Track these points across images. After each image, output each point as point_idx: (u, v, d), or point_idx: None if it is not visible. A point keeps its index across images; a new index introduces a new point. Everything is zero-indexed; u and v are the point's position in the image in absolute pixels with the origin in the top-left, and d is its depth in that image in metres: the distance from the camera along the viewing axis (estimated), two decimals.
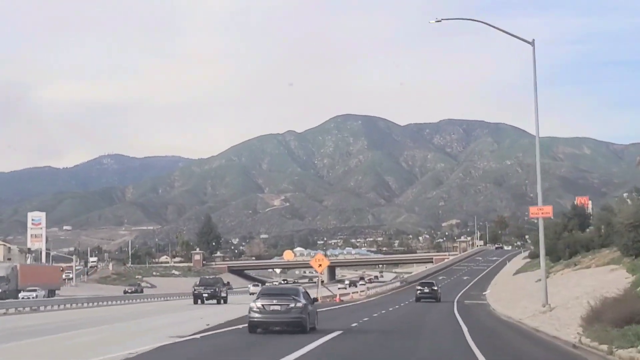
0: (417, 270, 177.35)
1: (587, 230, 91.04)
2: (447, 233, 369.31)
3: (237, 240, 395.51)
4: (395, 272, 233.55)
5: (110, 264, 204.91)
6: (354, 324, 34.92)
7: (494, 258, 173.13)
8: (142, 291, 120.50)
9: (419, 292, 72.72)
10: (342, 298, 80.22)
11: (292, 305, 29.71)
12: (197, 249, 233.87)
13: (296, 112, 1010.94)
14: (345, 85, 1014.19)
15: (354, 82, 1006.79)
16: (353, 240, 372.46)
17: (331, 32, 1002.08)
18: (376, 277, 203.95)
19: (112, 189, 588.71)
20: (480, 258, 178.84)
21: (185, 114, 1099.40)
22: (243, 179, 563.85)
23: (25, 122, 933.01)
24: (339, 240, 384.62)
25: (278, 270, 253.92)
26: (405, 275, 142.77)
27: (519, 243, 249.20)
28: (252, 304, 30.14)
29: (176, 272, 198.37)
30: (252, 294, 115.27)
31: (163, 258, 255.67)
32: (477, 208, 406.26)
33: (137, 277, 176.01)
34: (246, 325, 30.79)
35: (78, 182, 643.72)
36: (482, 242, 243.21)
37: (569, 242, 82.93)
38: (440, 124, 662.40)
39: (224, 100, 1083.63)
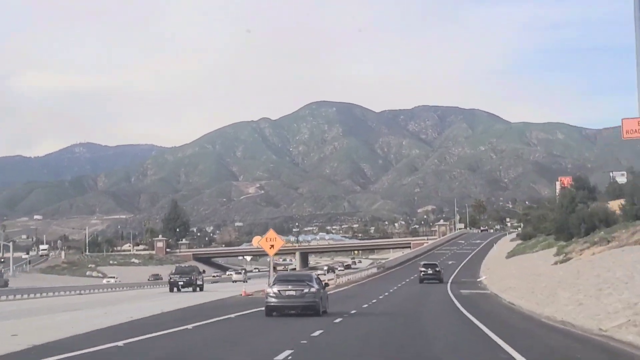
0: (394, 255, 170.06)
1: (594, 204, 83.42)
2: (425, 217, 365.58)
3: (212, 228, 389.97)
4: (371, 259, 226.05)
5: (62, 253, 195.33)
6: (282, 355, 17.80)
7: (478, 241, 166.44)
8: (5, 285, 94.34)
9: (422, 273, 75.85)
10: None
11: (307, 290, 31.50)
12: (160, 236, 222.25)
13: (270, 99, 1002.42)
14: (319, 72, 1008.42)
15: (328, 69, 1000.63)
16: (328, 227, 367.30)
17: (306, 19, 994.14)
18: (354, 262, 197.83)
19: (84, 178, 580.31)
20: (463, 241, 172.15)
21: (158, 102, 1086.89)
22: (217, 167, 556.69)
23: None
24: (314, 228, 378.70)
25: (249, 258, 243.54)
26: (382, 261, 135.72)
27: (498, 226, 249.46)
28: (269, 289, 31.93)
29: (136, 261, 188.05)
30: (235, 281, 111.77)
31: (126, 246, 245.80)
32: (452, 194, 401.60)
33: (90, 266, 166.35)
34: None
35: (49, 171, 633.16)
36: (462, 226, 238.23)
37: (584, 216, 70.55)
38: (415, 111, 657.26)
39: (197, 88, 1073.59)
